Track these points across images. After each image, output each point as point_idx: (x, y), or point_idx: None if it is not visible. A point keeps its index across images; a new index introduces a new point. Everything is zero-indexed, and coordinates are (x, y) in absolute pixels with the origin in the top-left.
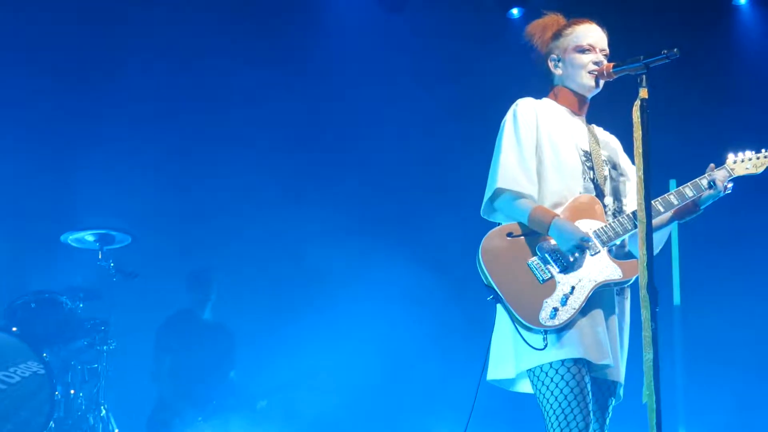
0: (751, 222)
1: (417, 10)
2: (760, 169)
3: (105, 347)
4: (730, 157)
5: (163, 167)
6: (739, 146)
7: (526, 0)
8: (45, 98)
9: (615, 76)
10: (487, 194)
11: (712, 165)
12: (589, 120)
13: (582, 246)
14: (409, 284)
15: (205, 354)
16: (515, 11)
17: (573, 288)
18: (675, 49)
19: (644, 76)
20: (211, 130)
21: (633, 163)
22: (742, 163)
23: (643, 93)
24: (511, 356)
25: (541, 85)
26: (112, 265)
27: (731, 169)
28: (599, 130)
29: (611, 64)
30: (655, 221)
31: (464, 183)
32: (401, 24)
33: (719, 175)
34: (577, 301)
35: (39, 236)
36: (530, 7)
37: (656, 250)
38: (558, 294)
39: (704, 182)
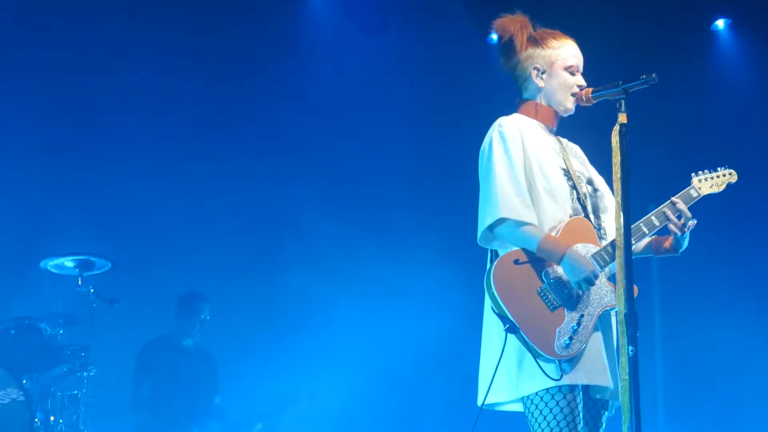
0: (733, 245)
1: (398, 34)
2: (722, 188)
3: (85, 374)
4: (694, 176)
5: (143, 192)
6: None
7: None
8: (22, 123)
9: (594, 101)
10: (487, 222)
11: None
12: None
13: (592, 281)
14: (394, 304)
15: (187, 379)
16: (495, 36)
17: (582, 315)
18: (653, 74)
19: (623, 101)
20: (189, 154)
21: (609, 184)
22: (705, 182)
23: (622, 118)
24: (506, 381)
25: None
26: (92, 291)
27: (699, 188)
28: (566, 142)
29: (590, 90)
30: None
31: (447, 204)
32: (382, 48)
33: (684, 199)
34: (586, 328)
35: (18, 262)
36: None
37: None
38: (569, 322)
39: (669, 210)
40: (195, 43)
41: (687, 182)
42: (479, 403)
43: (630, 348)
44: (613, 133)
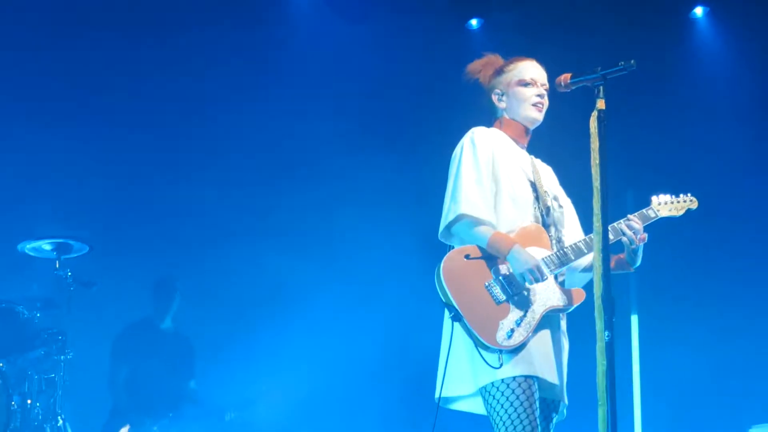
0: (711, 236)
1: (379, 21)
2: (681, 212)
3: (62, 357)
4: (654, 199)
5: (121, 175)
6: (694, 155)
7: (485, 12)
8: None
9: (572, 87)
10: (449, 219)
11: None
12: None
13: (535, 275)
14: (374, 295)
15: (163, 363)
16: (474, 22)
17: (526, 311)
18: (632, 61)
19: (601, 88)
20: (170, 140)
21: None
22: (665, 205)
23: (600, 104)
24: (469, 373)
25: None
26: (69, 274)
27: (657, 210)
28: (538, 161)
29: (569, 75)
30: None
31: (422, 195)
32: (363, 35)
33: (641, 218)
34: (530, 323)
35: None
36: (489, 18)
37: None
38: (512, 316)
39: (623, 226)
40: (176, 34)
41: (664, 168)
42: (436, 395)
43: (606, 333)
44: (591, 118)
